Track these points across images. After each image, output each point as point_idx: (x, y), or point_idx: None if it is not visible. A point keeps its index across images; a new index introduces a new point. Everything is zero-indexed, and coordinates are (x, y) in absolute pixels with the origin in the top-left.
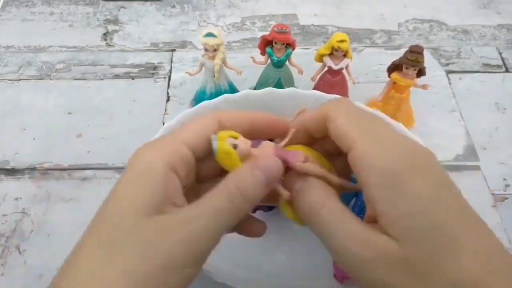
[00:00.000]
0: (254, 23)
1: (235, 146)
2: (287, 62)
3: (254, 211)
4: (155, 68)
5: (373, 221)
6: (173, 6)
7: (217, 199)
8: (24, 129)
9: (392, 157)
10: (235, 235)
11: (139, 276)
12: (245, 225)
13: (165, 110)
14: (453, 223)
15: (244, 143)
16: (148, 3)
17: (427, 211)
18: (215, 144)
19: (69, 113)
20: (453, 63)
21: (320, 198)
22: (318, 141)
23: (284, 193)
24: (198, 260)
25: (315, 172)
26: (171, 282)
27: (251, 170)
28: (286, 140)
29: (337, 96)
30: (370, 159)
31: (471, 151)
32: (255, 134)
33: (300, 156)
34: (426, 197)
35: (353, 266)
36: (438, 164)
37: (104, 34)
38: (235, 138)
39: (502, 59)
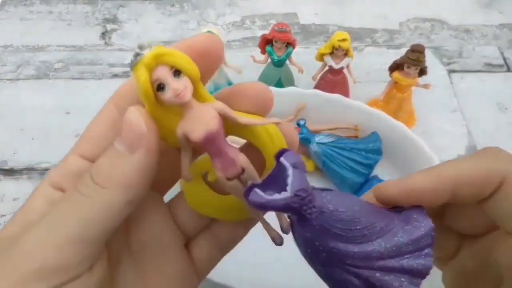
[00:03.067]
0: (254, 22)
1: (161, 86)
2: (287, 61)
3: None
4: None
5: None
6: (173, 5)
7: (63, 196)
8: (22, 129)
9: None
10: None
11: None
12: None
13: None
14: None
15: (176, 86)
16: (147, 1)
17: None
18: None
19: (68, 113)
20: (454, 62)
21: None
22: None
23: (186, 176)
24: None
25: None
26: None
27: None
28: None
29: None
30: None
31: (472, 151)
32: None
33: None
34: None
35: None
36: None
37: (103, 33)
38: (179, 71)
39: (504, 59)
